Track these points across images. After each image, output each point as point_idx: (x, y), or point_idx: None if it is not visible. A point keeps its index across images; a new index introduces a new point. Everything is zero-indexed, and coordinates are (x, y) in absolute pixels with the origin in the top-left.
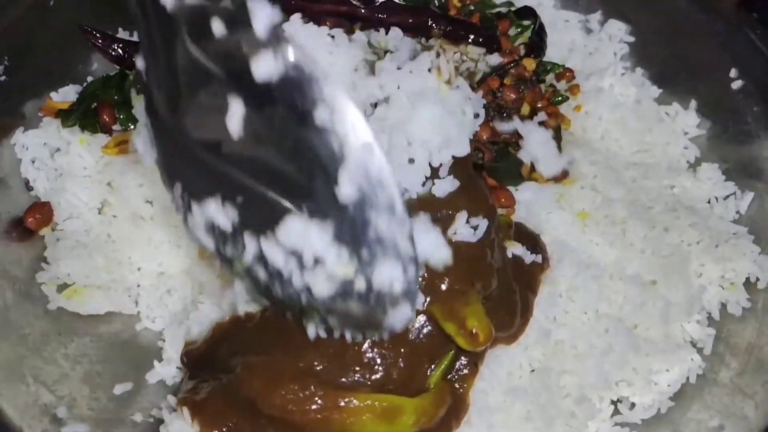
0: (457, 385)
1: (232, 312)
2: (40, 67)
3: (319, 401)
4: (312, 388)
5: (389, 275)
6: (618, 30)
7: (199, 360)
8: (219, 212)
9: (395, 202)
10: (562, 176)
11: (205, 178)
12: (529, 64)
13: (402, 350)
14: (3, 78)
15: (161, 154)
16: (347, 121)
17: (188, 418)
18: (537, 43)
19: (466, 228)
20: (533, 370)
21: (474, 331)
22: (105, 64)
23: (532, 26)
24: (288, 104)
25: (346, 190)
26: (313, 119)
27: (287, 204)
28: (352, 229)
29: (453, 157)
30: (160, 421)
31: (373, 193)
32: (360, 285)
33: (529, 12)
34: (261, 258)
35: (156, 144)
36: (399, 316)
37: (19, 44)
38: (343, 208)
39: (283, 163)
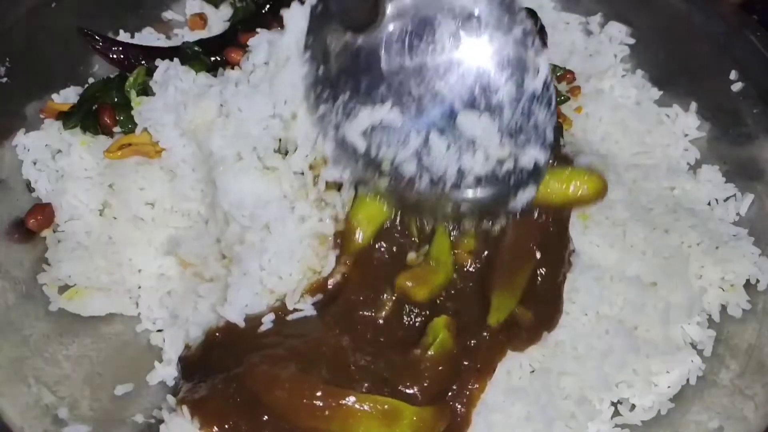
0: (459, 405)
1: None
2: (42, 69)
3: (320, 397)
4: (314, 385)
5: (534, 156)
6: (618, 32)
7: (195, 365)
8: (390, 114)
9: (552, 99)
10: None
11: (383, 86)
12: None
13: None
14: (4, 80)
15: (327, 70)
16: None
17: (188, 416)
18: None
19: None
20: (533, 371)
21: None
22: (106, 66)
23: None
24: (492, 22)
25: (528, 88)
26: (510, 37)
27: (465, 103)
28: (520, 119)
29: None
30: (161, 422)
31: (542, 92)
32: (509, 165)
33: (529, 14)
34: (418, 152)
35: (322, 62)
36: (525, 196)
37: (20, 46)
38: (517, 103)
39: (471, 69)
